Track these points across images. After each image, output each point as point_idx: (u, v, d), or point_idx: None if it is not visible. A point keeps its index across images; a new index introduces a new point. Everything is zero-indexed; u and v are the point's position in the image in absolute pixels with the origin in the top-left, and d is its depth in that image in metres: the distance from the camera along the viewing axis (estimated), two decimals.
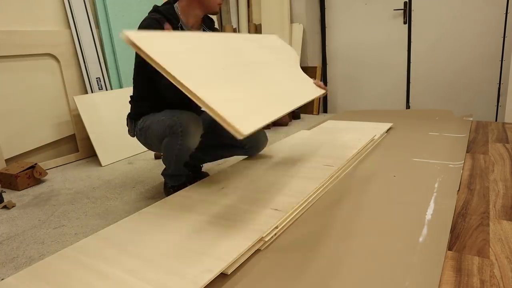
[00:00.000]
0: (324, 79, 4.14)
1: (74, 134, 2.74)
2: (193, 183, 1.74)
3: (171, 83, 1.13)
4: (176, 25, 1.69)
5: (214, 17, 3.82)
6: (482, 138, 2.36)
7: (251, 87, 1.38)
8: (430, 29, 3.46)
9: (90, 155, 2.78)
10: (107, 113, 2.74)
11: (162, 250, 1.14)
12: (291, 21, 3.91)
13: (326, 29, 4.03)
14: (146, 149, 2.80)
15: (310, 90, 1.78)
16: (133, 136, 1.86)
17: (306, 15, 3.85)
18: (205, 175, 2.02)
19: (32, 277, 1.05)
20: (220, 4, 1.76)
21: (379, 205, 1.47)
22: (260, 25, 4.02)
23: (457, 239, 1.20)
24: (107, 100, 2.80)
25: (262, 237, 1.21)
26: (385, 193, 1.59)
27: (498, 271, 1.03)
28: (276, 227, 1.28)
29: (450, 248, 1.16)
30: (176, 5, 1.73)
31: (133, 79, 1.79)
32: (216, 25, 1.95)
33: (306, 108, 4.02)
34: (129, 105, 1.84)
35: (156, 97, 1.69)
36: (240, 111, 1.17)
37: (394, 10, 3.58)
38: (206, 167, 2.26)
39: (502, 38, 3.16)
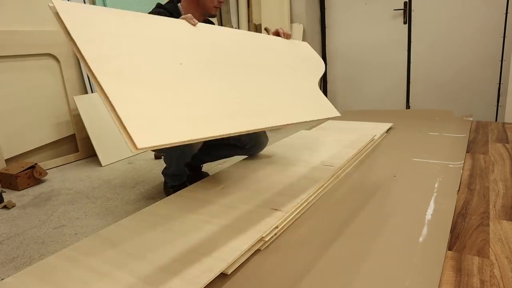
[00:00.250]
0: (324, 79, 4.14)
1: (74, 134, 2.74)
2: (193, 183, 1.74)
3: None
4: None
5: (215, 18, 3.82)
6: (482, 138, 2.35)
7: (218, 91, 1.13)
8: (430, 29, 3.45)
9: (90, 155, 2.78)
10: (107, 113, 2.74)
11: (162, 250, 1.14)
12: (291, 21, 3.91)
13: (326, 29, 4.03)
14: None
15: (314, 109, 1.41)
16: None
17: (306, 15, 3.85)
18: (205, 175, 2.02)
19: (32, 277, 1.05)
20: (217, 8, 1.76)
21: (379, 205, 1.47)
22: (260, 25, 4.02)
23: (457, 239, 1.20)
24: None
25: (262, 237, 1.21)
26: (385, 193, 1.59)
27: (498, 271, 1.03)
28: (276, 227, 1.28)
29: (450, 248, 1.16)
30: (179, 4, 1.74)
31: None
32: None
33: None
34: None
35: None
36: (158, 119, 0.89)
37: (394, 10, 3.57)
38: (206, 167, 2.26)
39: (502, 38, 3.16)
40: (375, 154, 2.14)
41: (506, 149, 2.11)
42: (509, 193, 1.53)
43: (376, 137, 2.38)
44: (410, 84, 3.67)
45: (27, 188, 2.19)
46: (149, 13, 1.61)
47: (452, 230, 1.26)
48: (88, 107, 2.67)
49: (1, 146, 2.34)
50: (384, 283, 0.99)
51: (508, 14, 3.10)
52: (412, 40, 3.57)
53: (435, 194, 1.55)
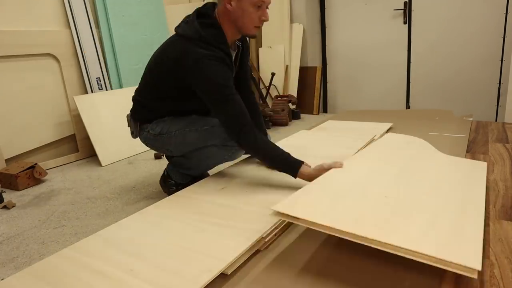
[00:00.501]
0: (324, 79, 4.15)
1: (74, 134, 2.74)
2: (194, 183, 1.74)
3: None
4: (226, 51, 1.57)
5: None
6: (482, 138, 2.35)
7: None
8: (430, 29, 3.46)
9: (90, 155, 2.78)
10: (107, 113, 2.74)
11: (162, 250, 1.14)
12: (291, 21, 3.91)
13: (326, 29, 4.03)
14: (146, 149, 2.79)
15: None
16: (136, 138, 1.84)
17: (306, 15, 3.85)
18: (205, 174, 2.02)
19: (32, 277, 1.05)
20: (258, 27, 1.64)
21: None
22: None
23: None
24: (107, 100, 2.80)
25: (262, 237, 1.21)
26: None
27: (498, 271, 1.03)
28: (276, 227, 1.28)
29: None
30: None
31: (154, 77, 1.66)
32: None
33: (306, 108, 4.03)
34: (130, 105, 1.83)
35: (178, 101, 1.68)
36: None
37: (394, 10, 3.58)
38: None
39: (502, 38, 3.16)
40: None
41: (506, 149, 2.11)
42: (509, 193, 1.53)
43: (376, 137, 2.38)
44: (410, 84, 3.68)
45: (27, 188, 2.19)
46: (204, 57, 1.48)
47: None
48: (88, 107, 2.67)
49: (1, 146, 2.34)
50: (384, 283, 0.99)
51: (508, 14, 3.10)
52: (412, 40, 3.57)
53: None
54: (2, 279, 1.26)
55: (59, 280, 1.02)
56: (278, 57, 3.95)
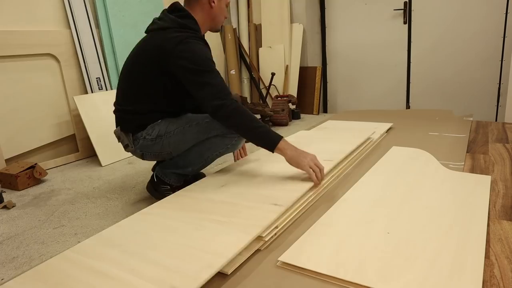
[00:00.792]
0: (324, 79, 4.15)
1: (74, 134, 2.74)
2: (189, 185, 1.72)
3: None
4: (203, 39, 1.72)
5: None
6: (482, 138, 2.36)
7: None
8: (430, 29, 3.46)
9: (90, 155, 2.78)
10: (107, 113, 2.74)
11: (163, 249, 1.14)
12: (291, 21, 3.91)
13: (326, 29, 4.03)
14: None
15: None
16: (131, 150, 1.76)
17: (306, 15, 3.85)
18: (202, 175, 2.01)
19: (34, 280, 1.05)
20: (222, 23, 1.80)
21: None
22: (260, 25, 4.03)
23: None
24: (107, 100, 2.80)
25: (262, 237, 1.22)
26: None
27: (498, 271, 1.03)
28: (276, 227, 1.28)
29: None
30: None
31: (138, 77, 1.66)
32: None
33: (306, 108, 4.03)
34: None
35: (169, 98, 1.68)
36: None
37: (394, 10, 3.58)
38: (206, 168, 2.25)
39: (502, 38, 3.16)
40: (375, 154, 2.14)
41: (506, 149, 2.11)
42: (509, 193, 1.53)
43: (375, 137, 2.38)
44: (410, 84, 3.68)
45: (27, 188, 2.19)
46: (189, 38, 1.56)
47: None
48: (88, 107, 2.67)
49: (1, 146, 2.34)
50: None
51: (508, 14, 3.10)
52: (412, 40, 3.57)
53: None
54: (2, 279, 1.26)
55: (62, 282, 1.02)
56: (278, 57, 3.95)
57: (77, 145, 2.76)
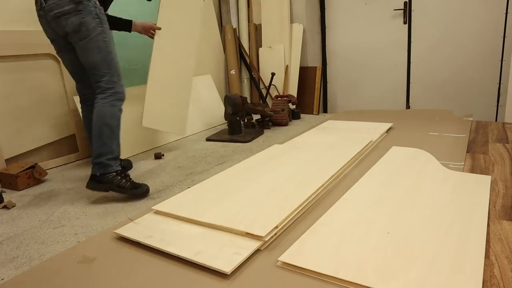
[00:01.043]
0: (324, 79, 4.15)
1: (74, 134, 2.74)
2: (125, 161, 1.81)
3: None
4: None
5: (213, 17, 3.82)
6: (482, 138, 2.36)
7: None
8: (430, 29, 3.46)
9: (90, 155, 2.77)
10: None
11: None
12: (291, 21, 3.91)
13: (326, 29, 4.03)
14: (146, 149, 2.79)
15: None
16: None
17: (306, 15, 3.85)
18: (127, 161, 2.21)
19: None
20: None
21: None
22: (260, 25, 4.03)
23: None
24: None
25: (262, 237, 1.22)
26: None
27: (498, 271, 1.03)
28: (276, 227, 1.29)
29: None
30: None
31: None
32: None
33: (306, 108, 4.03)
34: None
35: None
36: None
37: (394, 10, 3.58)
38: (206, 169, 2.25)
39: (502, 38, 3.16)
40: (375, 154, 2.14)
41: (506, 149, 2.11)
42: (509, 193, 1.53)
43: (376, 138, 2.38)
44: (410, 84, 3.68)
45: (27, 188, 2.19)
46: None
47: None
48: None
49: (1, 146, 2.34)
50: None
51: (508, 14, 3.10)
52: (412, 40, 3.57)
53: None
54: (2, 279, 1.26)
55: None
56: (278, 57, 3.95)
57: (77, 145, 2.76)
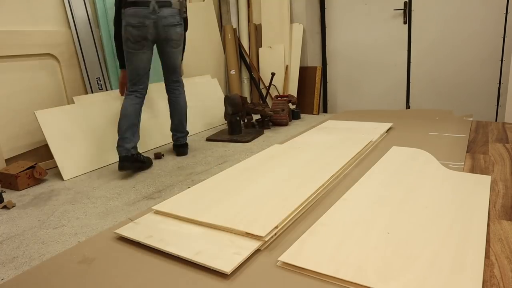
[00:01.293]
0: (324, 79, 4.14)
1: None
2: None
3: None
4: None
5: (213, 17, 3.82)
6: (482, 138, 2.36)
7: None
8: (430, 29, 3.46)
9: None
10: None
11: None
12: (291, 21, 3.91)
13: (326, 29, 4.03)
14: (146, 149, 2.79)
15: None
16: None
17: (306, 15, 3.85)
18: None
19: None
20: None
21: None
22: (260, 25, 4.03)
23: None
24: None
25: (262, 237, 1.22)
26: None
27: (498, 271, 1.03)
28: (276, 227, 1.29)
29: None
30: None
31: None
32: None
33: (306, 108, 4.03)
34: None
35: None
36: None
37: (394, 10, 3.58)
38: (206, 169, 2.25)
39: (502, 38, 3.16)
40: (375, 154, 2.14)
41: (506, 149, 2.11)
42: (509, 193, 1.53)
43: (376, 138, 2.38)
44: (410, 84, 3.68)
45: (27, 188, 2.19)
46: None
47: None
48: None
49: (1, 146, 2.34)
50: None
51: (508, 14, 3.10)
52: (412, 40, 3.57)
53: None
54: (2, 279, 1.26)
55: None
56: (278, 57, 3.95)
57: None
